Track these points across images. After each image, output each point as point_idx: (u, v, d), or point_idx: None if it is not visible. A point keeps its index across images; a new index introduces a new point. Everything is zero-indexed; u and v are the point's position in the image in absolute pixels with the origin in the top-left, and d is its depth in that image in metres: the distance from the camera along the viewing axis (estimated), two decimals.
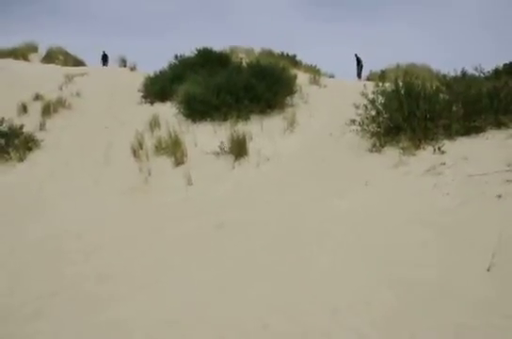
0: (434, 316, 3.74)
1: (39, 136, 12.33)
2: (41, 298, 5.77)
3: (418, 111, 8.71)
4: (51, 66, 21.68)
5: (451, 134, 8.52)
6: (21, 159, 11.44)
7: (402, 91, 9.33)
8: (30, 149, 11.85)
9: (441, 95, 9.09)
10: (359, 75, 20.12)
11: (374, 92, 9.70)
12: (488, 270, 4.08)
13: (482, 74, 9.80)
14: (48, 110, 14.28)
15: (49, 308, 5.49)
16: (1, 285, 6.27)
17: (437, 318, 3.71)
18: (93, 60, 24.76)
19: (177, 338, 4.38)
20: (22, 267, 6.76)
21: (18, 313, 5.45)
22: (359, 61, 20.14)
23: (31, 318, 5.28)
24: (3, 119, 12.10)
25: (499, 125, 8.13)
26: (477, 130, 8.29)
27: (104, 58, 24.87)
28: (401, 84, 9.41)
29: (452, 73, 9.75)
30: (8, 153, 11.60)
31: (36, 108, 14.54)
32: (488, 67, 10.20)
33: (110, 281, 6.01)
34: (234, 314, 4.49)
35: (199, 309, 4.79)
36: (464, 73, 9.55)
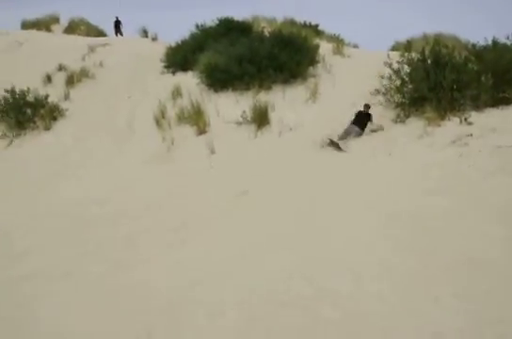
0: (459, 283, 3.77)
1: (63, 105, 12.48)
2: (70, 260, 5.99)
3: (445, 81, 8.50)
4: (73, 37, 21.63)
5: (478, 105, 8.33)
6: (47, 128, 11.65)
7: (429, 61, 9.10)
8: (55, 118, 12.02)
9: (470, 65, 8.84)
10: None
11: (399, 62, 9.49)
12: None
13: None
14: (72, 80, 14.36)
15: (77, 269, 5.70)
16: (31, 247, 6.51)
17: (460, 286, 3.73)
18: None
19: (200, 298, 4.51)
20: (50, 231, 6.99)
21: (48, 273, 5.68)
22: None
23: (61, 278, 5.50)
24: (29, 89, 12.24)
25: None
26: (507, 101, 8.10)
27: (117, 25, 22.82)
28: (428, 53, 9.17)
29: (482, 43, 9.43)
30: (35, 123, 11.80)
31: (60, 79, 14.64)
32: None
33: (135, 244, 6.18)
34: (257, 278, 4.60)
35: (222, 271, 4.91)
36: (495, 42, 9.21)
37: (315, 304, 3.96)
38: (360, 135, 8.63)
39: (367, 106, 8.97)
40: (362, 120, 8.79)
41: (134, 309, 4.57)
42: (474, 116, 7.96)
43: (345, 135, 8.57)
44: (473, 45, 9.49)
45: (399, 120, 8.85)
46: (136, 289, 4.96)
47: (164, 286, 4.91)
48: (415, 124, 8.45)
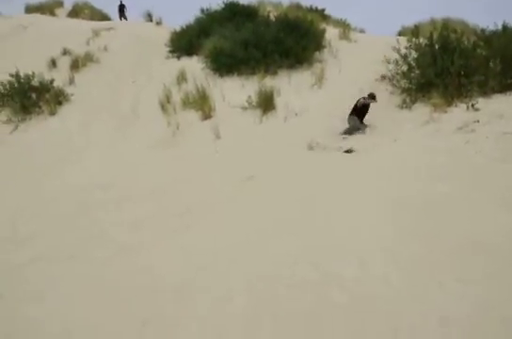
0: (462, 269, 3.78)
1: (68, 90, 12.44)
2: (75, 244, 6.02)
3: (452, 67, 8.43)
4: (77, 21, 21.49)
5: (486, 91, 8.26)
6: (52, 113, 11.63)
7: (436, 46, 9.00)
8: (61, 103, 12.00)
9: (479, 50, 8.74)
10: None
11: (406, 47, 9.40)
12: None
13: None
14: (77, 65, 14.31)
15: (81, 253, 5.74)
16: (41, 230, 6.57)
17: (465, 271, 3.75)
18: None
19: (207, 283, 4.53)
20: (55, 216, 7.03)
21: (53, 257, 5.75)
22: None
23: (65, 260, 5.56)
24: (34, 73, 12.20)
25: None
26: None
27: (121, 9, 22.77)
28: (435, 38, 9.07)
29: (491, 28, 9.30)
30: (40, 108, 11.79)
31: (64, 63, 14.58)
32: None
33: (140, 228, 6.20)
34: (263, 263, 4.62)
35: (228, 256, 4.92)
36: (505, 27, 9.08)
37: (322, 288, 3.98)
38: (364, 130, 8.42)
39: (371, 96, 8.58)
40: (366, 111, 8.57)
41: (139, 294, 4.59)
42: (481, 102, 7.90)
43: (353, 130, 8.34)
44: (483, 30, 9.37)
45: (405, 105, 8.80)
46: (142, 274, 4.97)
47: (169, 271, 4.92)
48: (421, 110, 8.40)
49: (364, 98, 8.50)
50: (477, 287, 3.51)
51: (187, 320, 4.02)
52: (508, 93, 8.06)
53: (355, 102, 8.50)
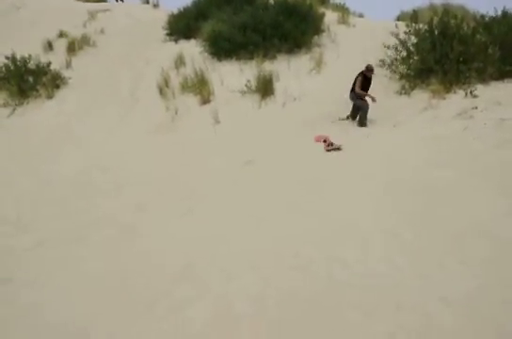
0: (462, 251, 3.89)
1: (65, 73, 12.28)
2: (75, 229, 6.05)
3: (452, 53, 8.44)
4: (73, 2, 21.10)
5: (484, 78, 8.31)
6: (50, 96, 11.51)
7: (436, 32, 8.99)
8: (58, 86, 11.86)
9: (478, 36, 8.74)
10: None
11: (406, 32, 9.38)
12: None
13: None
14: (73, 48, 14.07)
15: (83, 237, 5.77)
16: (43, 214, 6.61)
17: (465, 253, 3.86)
18: None
19: (214, 266, 4.57)
20: (60, 199, 7.06)
21: (62, 238, 5.80)
22: None
23: (74, 243, 5.61)
24: (30, 56, 12.03)
25: None
26: None
27: None
28: (435, 24, 9.04)
29: (491, 14, 9.28)
30: (37, 91, 11.66)
31: (60, 46, 14.34)
32: None
33: (141, 212, 6.25)
34: (265, 244, 4.69)
35: (233, 239, 4.99)
36: (505, 13, 9.07)
37: (325, 268, 4.07)
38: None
39: (368, 69, 8.18)
40: (368, 85, 8.29)
41: (143, 277, 4.64)
42: (480, 89, 7.95)
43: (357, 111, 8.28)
44: (482, 16, 9.35)
45: (404, 91, 8.83)
46: (144, 258, 5.02)
47: (172, 254, 4.97)
48: (420, 97, 8.44)
49: (362, 72, 8.29)
50: (477, 269, 3.61)
51: (191, 302, 4.08)
52: (506, 80, 8.12)
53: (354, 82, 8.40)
